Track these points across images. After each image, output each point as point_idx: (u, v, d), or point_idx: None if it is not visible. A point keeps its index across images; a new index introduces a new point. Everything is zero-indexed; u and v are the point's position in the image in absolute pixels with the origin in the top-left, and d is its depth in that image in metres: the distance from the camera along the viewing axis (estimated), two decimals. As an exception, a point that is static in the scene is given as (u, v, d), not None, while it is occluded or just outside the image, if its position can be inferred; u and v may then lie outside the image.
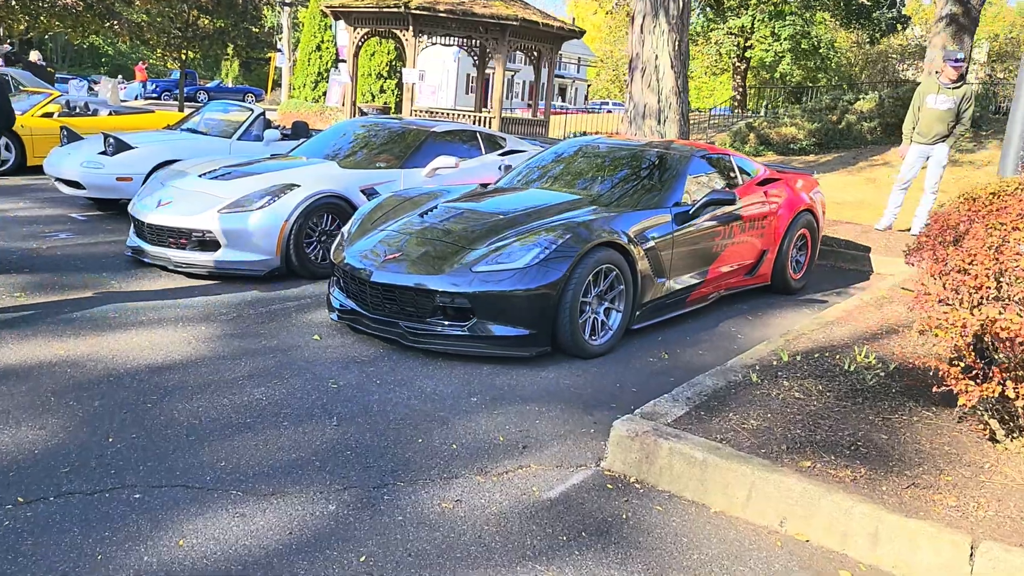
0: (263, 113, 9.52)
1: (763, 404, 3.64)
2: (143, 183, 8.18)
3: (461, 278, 4.53)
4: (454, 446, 3.56)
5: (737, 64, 32.99)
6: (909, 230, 8.69)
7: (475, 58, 20.48)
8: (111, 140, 8.40)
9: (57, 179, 8.61)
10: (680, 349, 5.14)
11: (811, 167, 13.66)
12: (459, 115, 18.56)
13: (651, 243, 5.17)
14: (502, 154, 8.29)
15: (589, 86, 66.05)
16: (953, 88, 8.12)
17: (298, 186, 6.33)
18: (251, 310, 5.46)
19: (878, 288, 6.43)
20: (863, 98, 16.80)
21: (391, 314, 4.74)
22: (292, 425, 3.68)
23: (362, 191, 6.72)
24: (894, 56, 48.68)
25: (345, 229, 5.50)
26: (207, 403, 3.86)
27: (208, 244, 6.13)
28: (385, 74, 25.26)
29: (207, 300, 5.63)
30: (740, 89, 32.28)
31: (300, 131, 9.98)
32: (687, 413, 3.55)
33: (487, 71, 21.08)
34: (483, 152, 8.15)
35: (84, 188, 8.30)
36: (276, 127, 10.23)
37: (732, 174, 6.39)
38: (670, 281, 5.40)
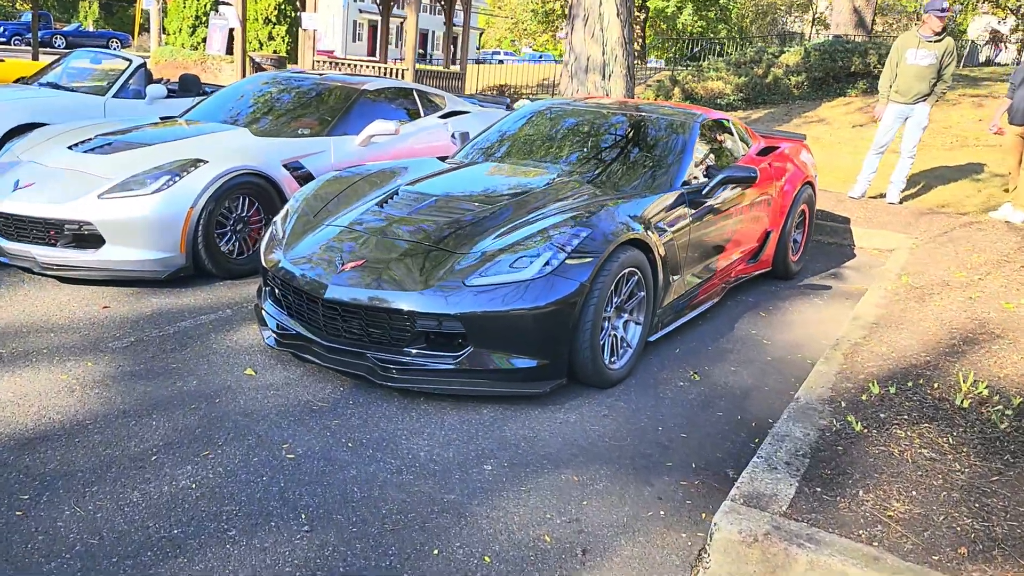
0: (144, 64, 7.86)
1: (893, 471, 2.74)
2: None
3: (451, 295, 3.41)
4: (487, 558, 2.50)
5: (636, 13, 32.19)
6: (884, 197, 8.09)
7: (377, 2, 18.73)
8: (-54, 98, 6.63)
9: None
10: (707, 365, 4.21)
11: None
12: (365, 67, 16.88)
13: (668, 234, 4.18)
14: (443, 116, 7.07)
15: (481, 34, 64.08)
16: (935, 41, 7.45)
17: (204, 162, 4.95)
18: (153, 331, 4.14)
19: (885, 273, 5.71)
20: (788, 51, 16.29)
21: (354, 342, 3.57)
22: (243, 537, 2.51)
23: (284, 166, 5.40)
24: (782, 8, 49.38)
25: (278, 221, 4.23)
26: (109, 503, 2.63)
27: (87, 239, 4.71)
28: (274, 19, 23.02)
29: (91, 318, 4.25)
30: (640, 40, 31.55)
31: (190, 86, 8.38)
32: (800, 492, 2.61)
33: (392, 18, 19.38)
34: (422, 113, 6.91)
35: (-87, 160, 6.53)
36: (159, 81, 8.58)
37: (735, 143, 5.46)
38: (684, 278, 4.44)
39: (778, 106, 14.73)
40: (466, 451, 3.13)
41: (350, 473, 2.92)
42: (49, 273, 4.72)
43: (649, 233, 3.94)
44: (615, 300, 3.78)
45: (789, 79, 15.26)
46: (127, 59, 7.93)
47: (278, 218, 4.25)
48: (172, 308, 4.49)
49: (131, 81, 7.68)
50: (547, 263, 3.48)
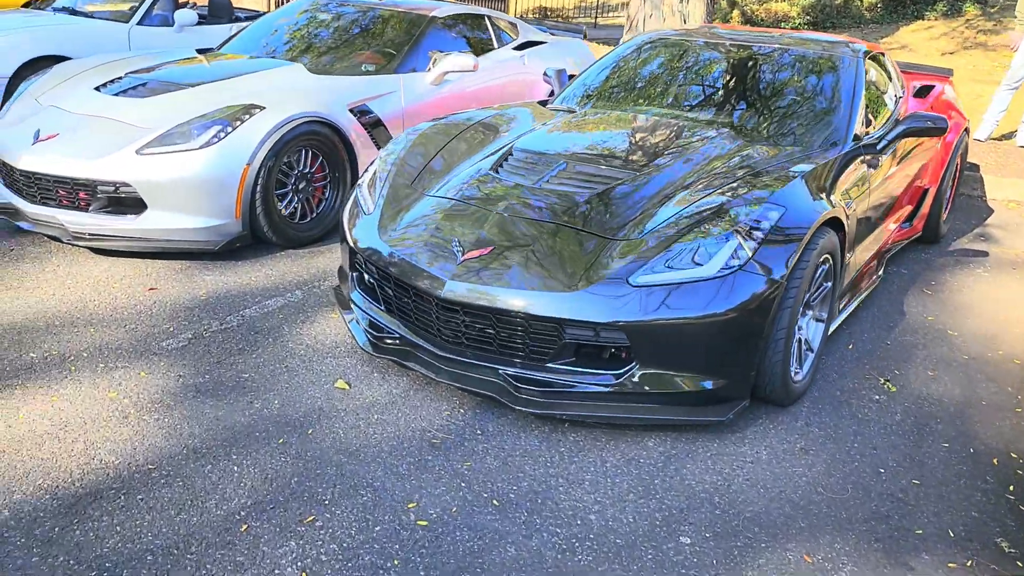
0: (170, -16, 6.88)
1: None
2: (2, 97, 5.69)
3: (612, 297, 2.60)
4: None
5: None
6: (1015, 138, 7.10)
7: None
8: (-51, 27, 5.74)
9: None
10: (896, 368, 3.40)
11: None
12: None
13: (852, 204, 3.32)
14: (518, 47, 6.11)
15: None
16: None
17: (260, 108, 4.09)
18: (213, 322, 3.38)
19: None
20: (858, -31, 14.88)
21: (479, 353, 2.78)
22: (389, 674, 1.78)
23: (351, 111, 4.52)
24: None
25: (364, 187, 3.40)
26: (194, 613, 1.90)
27: (125, 203, 3.91)
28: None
29: (136, 304, 3.49)
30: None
31: (220, 11, 7.40)
32: None
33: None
34: (495, 44, 5.95)
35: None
36: (187, 4, 7.61)
37: (892, 83, 4.51)
38: (855, 255, 3.59)
39: (849, 31, 13.49)
40: (648, 511, 2.37)
41: (508, 552, 2.17)
42: (80, 243, 3.94)
43: (839, 206, 3.08)
44: (806, 295, 2.96)
45: (861, 0, 13.95)
46: (151, -21, 6.93)
47: (363, 182, 3.42)
48: (231, 289, 3.71)
49: (156, 6, 6.72)
50: (734, 254, 2.65)
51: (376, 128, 4.64)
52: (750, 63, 4.19)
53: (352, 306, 3.21)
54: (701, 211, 2.83)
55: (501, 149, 3.44)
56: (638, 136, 3.61)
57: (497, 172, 3.23)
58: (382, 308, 3.07)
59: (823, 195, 3.01)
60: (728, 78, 4.15)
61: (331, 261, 4.13)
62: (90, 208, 3.91)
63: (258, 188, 4.01)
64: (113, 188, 3.85)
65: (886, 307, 4.02)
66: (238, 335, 3.28)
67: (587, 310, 2.59)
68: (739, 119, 3.83)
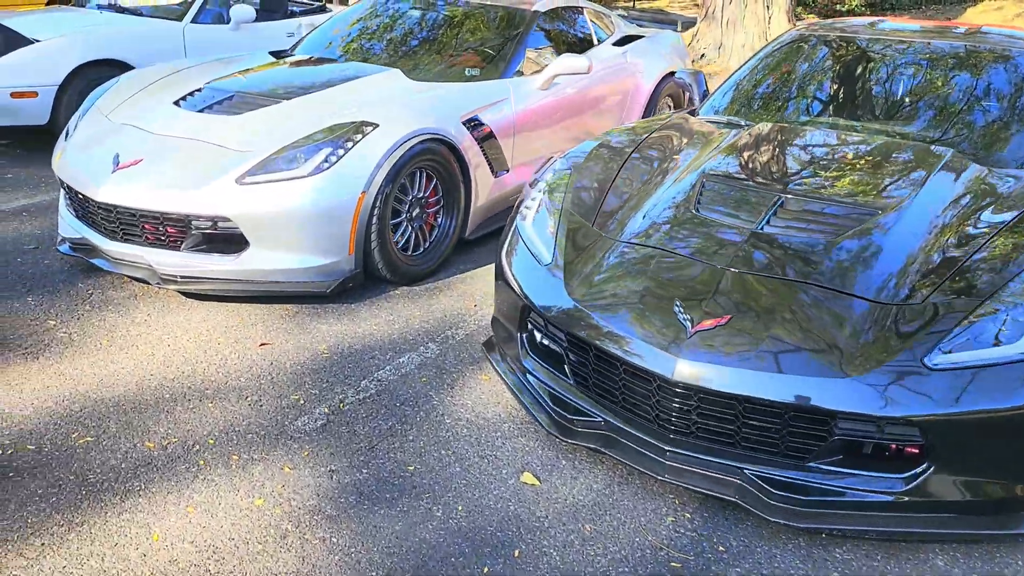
0: (221, -23, 6.30)
1: None
2: (51, 109, 5.16)
3: (902, 385, 2.04)
4: None
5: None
6: None
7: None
8: (-8, 30, 5.18)
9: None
10: None
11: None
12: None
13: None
14: (618, 43, 5.53)
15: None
16: None
17: (374, 125, 3.53)
18: (347, 390, 2.84)
19: None
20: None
21: (717, 448, 2.23)
22: None
23: (463, 123, 3.95)
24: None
25: (526, 223, 2.83)
26: None
27: (223, 240, 3.36)
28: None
29: (251, 366, 2.95)
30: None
31: (274, 4, 6.82)
32: None
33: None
34: (595, 41, 5.36)
35: (-44, 112, 5.15)
36: (239, -1, 7.00)
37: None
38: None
39: (910, 12, 12.82)
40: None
41: None
42: (171, 287, 3.39)
43: None
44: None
45: (921, -19, 13.28)
46: (200, -28, 6.35)
47: (525, 221, 2.85)
48: (353, 343, 3.17)
49: (209, 2, 6.14)
50: (1050, 324, 2.09)
51: (487, 142, 4.08)
52: (952, 65, 3.59)
53: (524, 374, 2.66)
54: (987, 264, 2.27)
55: (686, 178, 2.87)
56: (852, 158, 3.03)
57: (698, 210, 2.67)
58: (570, 382, 2.52)
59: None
60: (929, 84, 3.55)
61: (454, 302, 3.59)
62: (181, 246, 3.36)
63: (374, 219, 3.46)
64: (210, 223, 3.31)
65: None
66: (381, 408, 2.74)
67: (870, 400, 2.04)
68: (962, 135, 3.24)
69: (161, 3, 6.68)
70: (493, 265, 4.02)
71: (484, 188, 4.09)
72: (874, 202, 2.64)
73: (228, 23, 6.15)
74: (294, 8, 7.04)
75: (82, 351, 3.00)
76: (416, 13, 4.96)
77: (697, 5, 13.14)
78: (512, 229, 2.87)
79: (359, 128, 3.49)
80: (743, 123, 3.49)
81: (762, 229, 2.52)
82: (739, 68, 4.02)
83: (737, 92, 3.82)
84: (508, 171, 4.25)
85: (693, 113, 3.78)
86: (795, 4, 8.46)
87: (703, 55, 9.21)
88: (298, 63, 4.49)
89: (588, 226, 2.71)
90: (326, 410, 2.71)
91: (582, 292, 2.46)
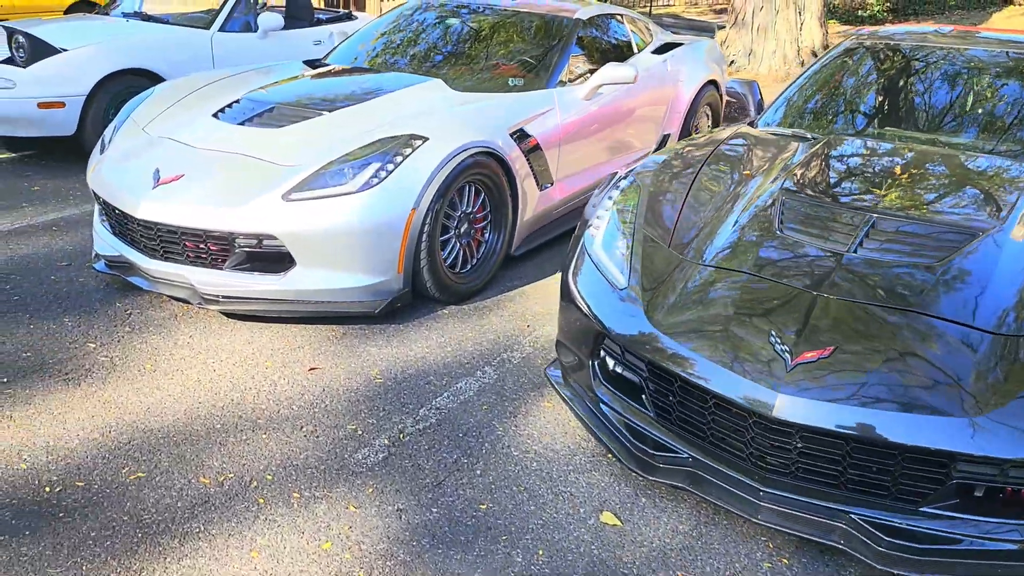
0: (247, -15, 6.18)
1: None
2: (78, 119, 5.05)
3: (1027, 424, 1.89)
4: None
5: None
6: None
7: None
8: (20, 39, 5.06)
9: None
10: None
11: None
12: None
13: None
14: (657, 51, 5.38)
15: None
16: None
17: (423, 138, 3.39)
18: (406, 419, 2.69)
19: None
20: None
21: (819, 491, 2.08)
22: None
23: (510, 135, 3.81)
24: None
25: (595, 244, 2.68)
26: None
27: (268, 259, 3.22)
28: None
29: (302, 393, 2.80)
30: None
31: (301, 12, 6.71)
32: None
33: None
34: (635, 49, 5.22)
35: (-17, 122, 5.05)
36: (263, 6, 6.89)
37: None
38: None
39: (933, 17, 12.66)
40: None
41: None
42: (213, 307, 3.25)
43: None
44: None
45: (944, -14, 13.12)
46: (226, -21, 6.25)
47: (594, 243, 2.70)
48: (406, 367, 3.02)
49: (236, 8, 6.03)
50: None
51: (533, 154, 3.94)
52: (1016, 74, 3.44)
53: (597, 403, 2.51)
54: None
55: (763, 196, 2.72)
56: (934, 174, 2.87)
57: (781, 231, 2.52)
58: (650, 414, 2.37)
59: None
60: (1009, 96, 3.38)
61: (505, 322, 3.44)
62: (224, 265, 3.22)
63: (424, 236, 3.32)
64: (255, 241, 3.17)
65: None
66: (444, 439, 2.59)
67: (995, 442, 1.89)
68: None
69: (187, 11, 6.59)
70: (541, 282, 3.88)
71: (531, 202, 3.95)
72: (971, 223, 2.49)
73: (255, 31, 6.03)
74: (320, 16, 6.93)
75: (125, 376, 2.86)
76: (454, 21, 4.82)
77: (715, 11, 13.01)
78: (579, 249, 2.73)
79: (408, 142, 3.35)
80: (809, 135, 3.34)
81: (856, 251, 2.36)
82: (797, 78, 3.87)
83: (799, 102, 3.67)
84: (552, 184, 4.11)
85: (752, 124, 3.63)
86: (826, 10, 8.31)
87: (732, 62, 9.06)
88: (336, 73, 4.36)
89: (664, 247, 2.56)
90: (386, 441, 2.57)
91: (664, 319, 2.30)
